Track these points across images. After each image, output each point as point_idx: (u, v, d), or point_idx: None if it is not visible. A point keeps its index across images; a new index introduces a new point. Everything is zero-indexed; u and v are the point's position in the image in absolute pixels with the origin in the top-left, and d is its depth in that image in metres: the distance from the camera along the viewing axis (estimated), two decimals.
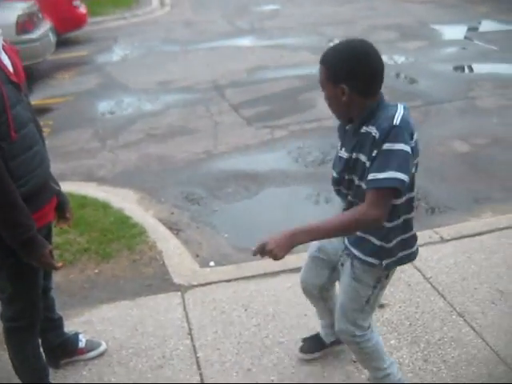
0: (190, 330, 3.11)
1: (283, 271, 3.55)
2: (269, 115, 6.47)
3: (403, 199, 2.13)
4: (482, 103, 6.74)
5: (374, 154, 1.99)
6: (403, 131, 1.98)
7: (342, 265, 2.44)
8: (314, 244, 2.55)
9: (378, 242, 2.21)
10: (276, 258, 2.01)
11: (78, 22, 10.87)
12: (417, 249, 2.35)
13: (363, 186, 2.08)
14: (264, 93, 7.23)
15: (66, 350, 2.88)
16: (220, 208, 4.59)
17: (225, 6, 13.63)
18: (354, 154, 2.11)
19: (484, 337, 2.97)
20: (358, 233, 2.25)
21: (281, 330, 3.07)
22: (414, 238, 2.33)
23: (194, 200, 4.72)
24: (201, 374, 2.82)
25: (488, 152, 5.37)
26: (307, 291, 2.71)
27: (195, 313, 3.24)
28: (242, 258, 3.80)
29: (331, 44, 2.18)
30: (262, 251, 2.03)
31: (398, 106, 2.08)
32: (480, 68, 8.30)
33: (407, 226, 2.25)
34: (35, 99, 7.45)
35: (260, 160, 5.41)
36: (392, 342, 2.97)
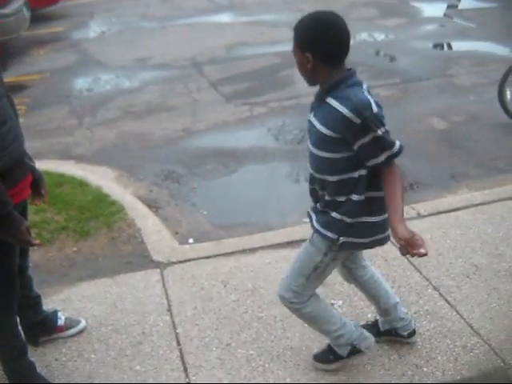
0: (170, 306, 3.12)
1: (262, 247, 3.57)
2: (248, 92, 6.44)
3: (365, 172, 2.23)
4: (460, 81, 6.79)
5: (367, 139, 2.12)
6: (378, 114, 2.13)
7: None
8: None
9: (338, 216, 2.28)
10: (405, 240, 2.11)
11: None
12: (388, 235, 2.38)
13: (322, 154, 2.23)
14: (243, 70, 7.19)
15: (44, 327, 2.87)
16: (199, 185, 4.59)
17: None
18: (324, 129, 2.19)
19: (458, 310, 3.03)
20: (320, 208, 2.37)
21: (259, 305, 3.10)
22: (384, 223, 2.33)
23: (172, 177, 4.71)
24: (180, 350, 2.84)
25: (465, 129, 5.43)
26: (349, 282, 2.83)
27: (174, 289, 3.25)
28: (222, 235, 3.82)
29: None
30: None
31: (363, 87, 2.19)
32: (458, 46, 8.34)
33: (374, 206, 2.29)
34: (10, 76, 7.32)
35: (239, 137, 5.40)
36: (369, 315, 3.01)
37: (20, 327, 2.63)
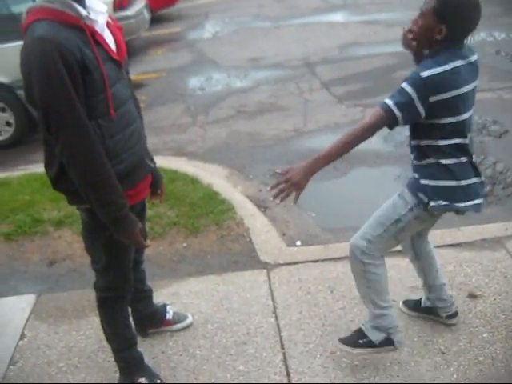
0: (275, 308, 3.10)
1: None
2: (360, 93, 6.30)
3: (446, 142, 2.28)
4: None
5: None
6: (422, 84, 2.15)
7: None
8: None
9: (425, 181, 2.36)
10: (296, 186, 2.24)
11: None
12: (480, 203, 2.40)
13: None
14: (356, 70, 7.05)
15: (154, 320, 2.96)
16: (308, 187, 4.48)
17: None
18: None
19: None
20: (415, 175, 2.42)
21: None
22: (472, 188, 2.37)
23: None
24: (284, 354, 2.81)
25: None
26: (405, 252, 2.85)
27: (280, 291, 3.23)
28: (329, 239, 3.75)
29: None
30: (283, 183, 2.21)
31: (458, 60, 2.18)
32: None
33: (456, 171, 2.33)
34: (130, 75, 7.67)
35: None
36: (485, 335, 2.82)
37: (131, 319, 2.72)
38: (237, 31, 9.78)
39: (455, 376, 2.61)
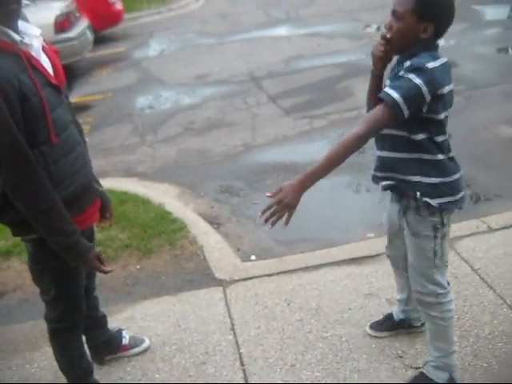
0: (233, 325, 3.08)
1: (325, 264, 3.49)
2: (307, 105, 6.39)
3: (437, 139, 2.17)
4: None
5: (399, 75, 2.06)
6: (431, 75, 2.02)
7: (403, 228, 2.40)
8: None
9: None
10: (289, 206, 2.02)
11: (115, 18, 10.98)
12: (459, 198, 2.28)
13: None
14: (302, 82, 7.14)
15: (110, 346, 2.89)
16: (260, 201, 4.54)
17: None
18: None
19: None
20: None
21: (324, 324, 3.01)
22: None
23: (233, 193, 4.70)
24: (244, 371, 2.79)
25: None
26: (394, 264, 2.73)
27: (237, 308, 3.21)
28: (284, 251, 3.77)
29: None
30: (275, 205, 2.02)
31: (442, 58, 2.13)
32: None
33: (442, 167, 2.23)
34: (74, 97, 7.57)
35: (299, 151, 5.34)
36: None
37: (86, 347, 2.66)
38: (182, 49, 9.79)
39: None
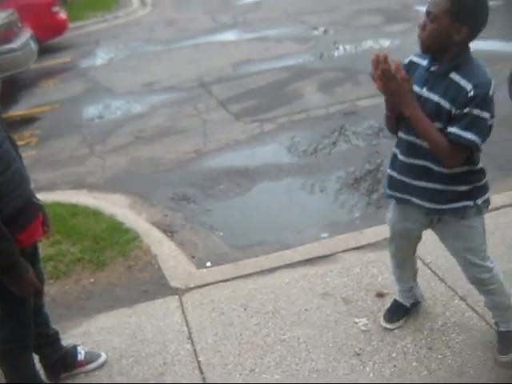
0: (190, 333, 3.05)
1: (280, 267, 3.50)
2: (257, 109, 6.41)
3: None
4: None
5: (464, 111, 2.13)
6: (492, 102, 2.16)
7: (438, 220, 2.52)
8: (390, 227, 2.75)
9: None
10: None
11: (59, 28, 10.74)
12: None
13: (437, 125, 2.22)
14: (251, 87, 7.16)
15: (65, 364, 2.82)
16: (213, 206, 4.53)
17: (206, 1, 13.51)
18: (443, 101, 2.20)
19: (487, 319, 2.92)
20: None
21: (282, 327, 3.02)
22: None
23: (186, 200, 4.66)
24: (204, 378, 2.77)
25: None
26: (400, 265, 2.87)
27: (194, 315, 3.18)
28: (238, 256, 3.76)
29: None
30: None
31: (487, 70, 2.20)
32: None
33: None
34: (21, 109, 7.40)
35: (251, 155, 5.36)
36: (395, 331, 2.92)
37: (40, 366, 2.59)
38: (130, 56, 9.67)
39: (371, 375, 2.68)
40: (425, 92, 2.25)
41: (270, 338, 2.95)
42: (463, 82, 2.14)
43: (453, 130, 2.17)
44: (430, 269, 3.33)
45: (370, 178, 4.74)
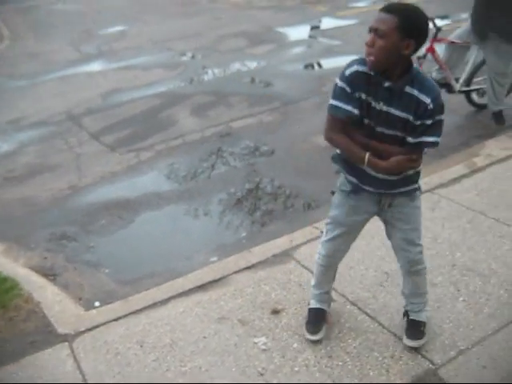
0: (86, 380, 2.87)
1: (173, 297, 3.41)
2: (132, 138, 6.27)
3: None
4: None
5: (427, 122, 2.34)
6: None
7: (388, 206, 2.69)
8: (337, 223, 2.83)
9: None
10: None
11: None
12: None
13: (399, 134, 2.42)
14: (123, 116, 7.00)
15: None
16: (96, 243, 4.34)
17: (69, 33, 13.07)
18: (404, 114, 2.36)
19: (379, 320, 3.05)
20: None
21: (181, 359, 2.93)
22: None
23: (66, 239, 4.42)
24: None
25: None
26: (333, 265, 2.97)
27: (88, 361, 3.00)
28: (129, 292, 3.61)
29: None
30: None
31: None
32: (328, 63, 8.67)
33: None
34: None
35: (130, 186, 5.22)
36: (295, 345, 2.95)
37: None
38: None
39: None
40: (384, 107, 2.39)
41: (171, 372, 2.86)
42: (422, 97, 2.32)
43: (421, 139, 2.38)
44: None
45: (251, 197, 4.80)
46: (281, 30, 11.11)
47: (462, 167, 4.75)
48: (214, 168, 5.37)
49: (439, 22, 4.88)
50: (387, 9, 2.27)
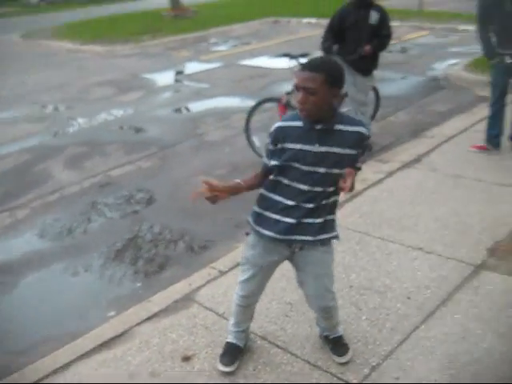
0: None
1: (74, 361, 3.15)
2: (4, 197, 5.86)
3: None
4: (211, 137, 7.16)
5: (360, 150, 2.57)
6: None
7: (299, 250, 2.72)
8: (252, 264, 2.81)
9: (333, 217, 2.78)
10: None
11: None
12: None
13: (334, 171, 2.53)
14: None
15: None
16: None
17: None
18: (342, 150, 2.51)
19: (291, 351, 3.06)
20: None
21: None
22: None
23: None
24: None
25: (230, 179, 5.64)
26: (251, 304, 2.98)
27: None
28: (24, 362, 3.29)
29: (304, 58, 2.40)
30: None
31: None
32: (199, 106, 8.81)
33: None
34: None
35: (8, 247, 4.86)
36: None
37: None
38: None
39: None
40: (319, 147, 2.50)
41: None
42: (355, 128, 2.53)
43: (358, 164, 2.61)
44: (225, 318, 3.37)
45: (144, 244, 4.66)
46: (147, 76, 11.14)
47: (342, 194, 4.97)
48: (96, 220, 5.17)
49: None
50: (310, 67, 2.42)
